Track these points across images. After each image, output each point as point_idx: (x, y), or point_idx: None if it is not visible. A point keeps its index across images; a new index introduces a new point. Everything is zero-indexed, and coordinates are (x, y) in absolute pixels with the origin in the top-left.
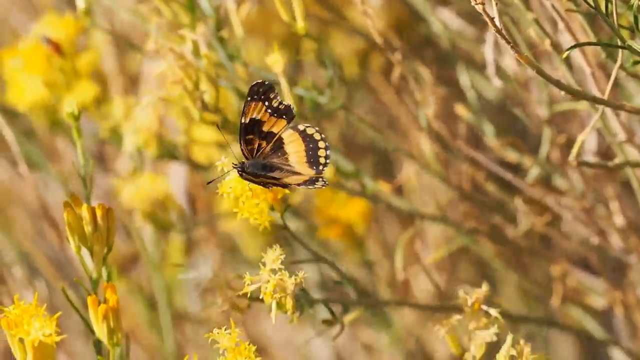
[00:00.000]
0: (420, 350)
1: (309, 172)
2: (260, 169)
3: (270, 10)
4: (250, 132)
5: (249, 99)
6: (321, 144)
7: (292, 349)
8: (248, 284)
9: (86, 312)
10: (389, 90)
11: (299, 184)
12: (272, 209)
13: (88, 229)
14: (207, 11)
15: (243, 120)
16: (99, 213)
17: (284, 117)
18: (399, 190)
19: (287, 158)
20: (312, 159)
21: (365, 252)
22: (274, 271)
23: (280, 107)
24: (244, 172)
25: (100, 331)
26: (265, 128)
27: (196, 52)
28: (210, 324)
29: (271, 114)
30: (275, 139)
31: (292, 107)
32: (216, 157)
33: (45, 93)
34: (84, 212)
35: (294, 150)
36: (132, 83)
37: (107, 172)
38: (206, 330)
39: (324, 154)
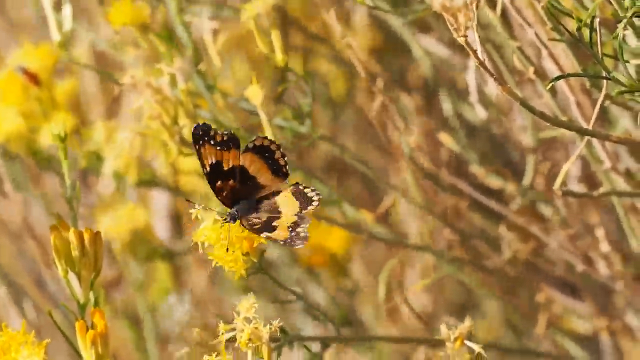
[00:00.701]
0: None
1: (278, 182)
2: (247, 211)
3: (250, 34)
4: (216, 179)
5: (196, 146)
6: (273, 147)
7: None
8: (222, 333)
9: (74, 334)
10: (373, 110)
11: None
12: (247, 254)
13: (75, 253)
14: (185, 41)
15: (205, 172)
16: (86, 237)
17: (232, 145)
18: (383, 217)
19: (257, 181)
20: (275, 168)
21: (349, 278)
22: (248, 320)
23: (224, 138)
24: (236, 219)
25: (89, 357)
26: (225, 167)
27: (173, 84)
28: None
29: (221, 149)
30: (238, 171)
31: (232, 132)
32: (199, 184)
33: (22, 124)
34: (71, 236)
35: (257, 169)
36: (115, 104)
37: (91, 190)
38: (192, 352)
39: (280, 155)
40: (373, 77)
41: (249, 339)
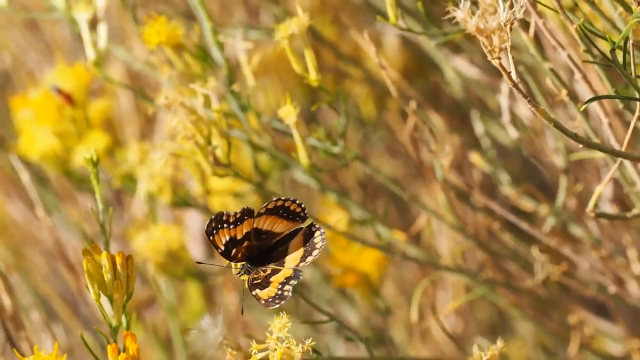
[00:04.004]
0: None
1: (295, 225)
2: (262, 260)
3: (284, 54)
4: (230, 251)
5: (210, 237)
6: (287, 204)
7: None
8: (255, 353)
9: (105, 356)
10: (405, 131)
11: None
12: None
13: (108, 277)
14: (219, 62)
15: (220, 251)
16: (118, 261)
17: (246, 217)
18: (415, 238)
19: (272, 232)
20: (291, 216)
21: (381, 298)
22: (280, 339)
23: (238, 216)
24: (249, 272)
25: None
26: (239, 237)
27: (207, 105)
28: None
29: (235, 227)
30: (252, 233)
31: (246, 208)
32: (231, 205)
33: (56, 143)
34: (104, 260)
35: (272, 223)
36: (149, 125)
37: (123, 215)
38: None
39: (296, 206)
40: (405, 98)
41: (281, 359)
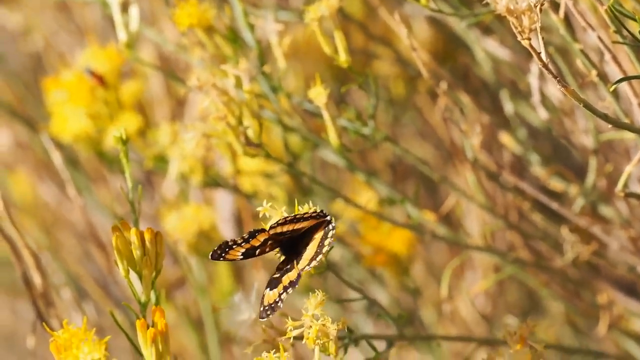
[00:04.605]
0: None
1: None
2: (296, 249)
3: (314, 36)
4: (252, 254)
5: (221, 259)
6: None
7: None
8: (290, 330)
9: (134, 333)
10: (436, 112)
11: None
12: None
13: (137, 253)
14: (250, 43)
15: (239, 259)
16: (147, 237)
17: (257, 234)
18: (445, 218)
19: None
20: (303, 219)
21: (411, 278)
22: (316, 317)
23: (246, 237)
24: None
25: (149, 355)
26: (256, 244)
27: (239, 86)
28: (259, 346)
29: (247, 242)
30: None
31: (252, 230)
32: (262, 185)
33: (89, 125)
34: (133, 236)
35: (293, 225)
36: (179, 107)
37: (154, 195)
38: (254, 353)
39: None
40: (436, 79)
41: (317, 336)
